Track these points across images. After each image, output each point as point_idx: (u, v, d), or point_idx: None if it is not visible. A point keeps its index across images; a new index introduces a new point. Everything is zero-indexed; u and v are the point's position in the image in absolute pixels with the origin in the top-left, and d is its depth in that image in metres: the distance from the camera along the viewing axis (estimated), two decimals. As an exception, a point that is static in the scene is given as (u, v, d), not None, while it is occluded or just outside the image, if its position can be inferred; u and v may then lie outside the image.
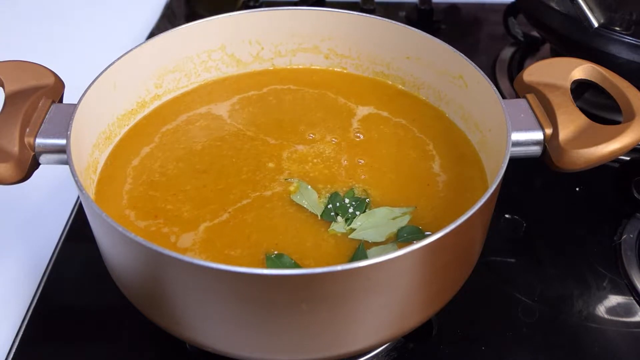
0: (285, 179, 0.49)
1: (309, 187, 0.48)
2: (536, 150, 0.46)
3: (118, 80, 0.51)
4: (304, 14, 0.58)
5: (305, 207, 0.47)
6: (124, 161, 0.51)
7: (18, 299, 0.55)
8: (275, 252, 0.43)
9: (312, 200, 0.47)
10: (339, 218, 0.46)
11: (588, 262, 0.58)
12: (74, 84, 0.52)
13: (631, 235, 0.59)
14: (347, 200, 0.47)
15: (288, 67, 0.61)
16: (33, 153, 0.45)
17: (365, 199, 0.47)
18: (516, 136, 0.45)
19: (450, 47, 0.52)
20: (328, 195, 0.48)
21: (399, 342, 0.51)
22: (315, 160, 0.51)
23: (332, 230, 0.45)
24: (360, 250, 0.43)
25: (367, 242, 0.44)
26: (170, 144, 0.53)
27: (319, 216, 0.46)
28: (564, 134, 0.44)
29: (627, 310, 0.54)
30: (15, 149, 0.43)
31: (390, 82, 0.59)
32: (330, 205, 0.47)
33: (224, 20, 0.57)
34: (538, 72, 0.49)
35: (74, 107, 0.46)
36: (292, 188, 0.48)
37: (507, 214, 0.62)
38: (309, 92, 0.58)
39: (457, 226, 0.37)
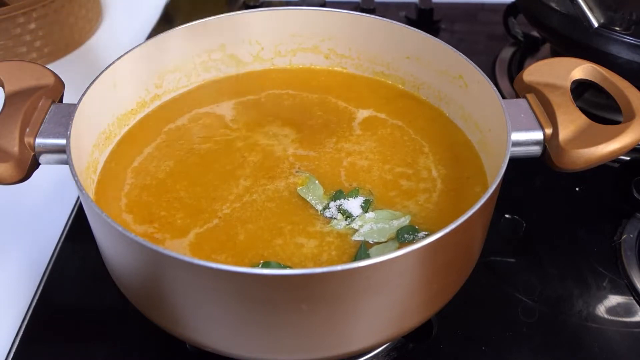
0: (296, 171, 0.49)
1: (317, 181, 0.48)
2: (536, 150, 0.46)
3: (118, 80, 0.51)
4: (304, 14, 0.58)
5: (304, 210, 0.47)
6: (124, 162, 0.51)
7: (18, 299, 0.55)
8: (262, 262, 0.43)
9: (317, 196, 0.47)
10: (339, 215, 0.46)
11: (588, 262, 0.58)
12: (74, 84, 0.52)
13: (631, 235, 0.59)
14: (350, 199, 0.47)
15: (288, 67, 0.61)
16: (33, 153, 0.45)
17: (368, 199, 0.47)
18: (516, 136, 0.45)
19: (450, 47, 0.52)
20: (332, 192, 0.48)
21: (399, 342, 0.51)
22: (316, 162, 0.51)
23: (330, 227, 0.45)
24: (362, 249, 0.43)
25: (367, 241, 0.44)
26: (171, 144, 0.53)
27: (320, 211, 0.46)
28: (564, 134, 0.44)
29: (627, 310, 0.54)
30: (15, 149, 0.43)
31: (390, 82, 0.59)
32: (332, 202, 0.47)
33: (224, 20, 0.57)
34: (538, 72, 0.49)
35: (74, 107, 0.46)
36: (299, 180, 0.49)
37: (507, 214, 0.62)
38: (309, 96, 0.58)
39: (457, 226, 0.37)
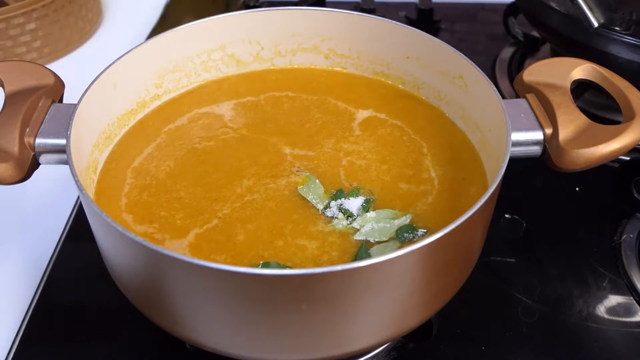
0: (297, 170, 0.49)
1: (317, 181, 0.48)
2: (536, 150, 0.46)
3: (118, 80, 0.51)
4: (304, 14, 0.58)
5: (305, 209, 0.47)
6: (124, 162, 0.51)
7: (18, 299, 0.55)
8: (261, 263, 0.43)
9: (318, 195, 0.47)
10: (340, 215, 0.46)
11: (588, 262, 0.58)
12: (74, 84, 0.52)
13: (631, 235, 0.59)
14: (350, 198, 0.47)
15: (288, 67, 0.61)
16: (33, 153, 0.45)
17: (368, 198, 0.47)
18: (516, 136, 0.45)
19: (450, 47, 0.52)
20: (333, 192, 0.48)
21: (399, 342, 0.51)
22: (315, 162, 0.51)
23: (331, 226, 0.45)
24: (363, 249, 0.43)
25: (368, 241, 0.44)
26: (171, 144, 0.53)
27: (320, 211, 0.46)
28: (564, 134, 0.44)
29: (627, 310, 0.54)
30: (15, 149, 0.43)
31: (390, 82, 0.59)
32: (333, 202, 0.47)
33: (224, 20, 0.57)
34: (538, 72, 0.49)
35: (74, 107, 0.46)
36: (299, 180, 0.49)
37: (507, 214, 0.62)
38: (309, 98, 0.58)
39: (457, 226, 0.37)
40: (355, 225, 0.45)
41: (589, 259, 0.58)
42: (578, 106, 0.46)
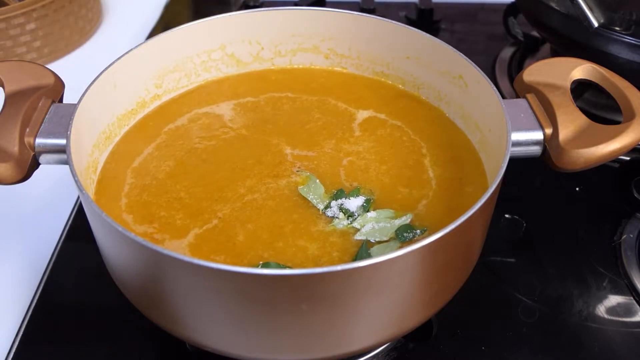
0: (297, 170, 0.49)
1: (318, 181, 0.48)
2: (536, 150, 0.46)
3: (118, 80, 0.51)
4: (304, 14, 0.58)
5: (305, 209, 0.47)
6: (124, 162, 0.51)
7: (18, 299, 0.55)
8: (261, 263, 0.43)
9: (318, 195, 0.47)
10: (341, 214, 0.46)
11: (588, 262, 0.58)
12: (74, 84, 0.52)
13: (631, 235, 0.59)
14: (351, 198, 0.47)
15: (288, 66, 0.61)
16: (33, 153, 0.45)
17: (369, 198, 0.47)
18: (516, 136, 0.45)
19: (450, 47, 0.52)
20: (333, 191, 0.48)
21: (399, 342, 0.51)
22: (315, 162, 0.51)
23: (332, 226, 0.45)
24: (363, 249, 0.43)
25: (369, 240, 0.44)
26: (171, 144, 0.53)
27: (321, 210, 0.46)
28: (564, 133, 0.44)
29: (627, 310, 0.54)
30: (15, 149, 0.43)
31: (390, 82, 0.59)
32: (334, 201, 0.47)
33: (224, 20, 0.57)
34: (538, 72, 0.49)
35: (74, 107, 0.46)
36: (300, 179, 0.49)
37: (507, 214, 0.62)
38: (309, 98, 0.58)
39: (457, 226, 0.37)
40: (356, 225, 0.45)
41: (589, 259, 0.58)
42: (578, 106, 0.46)
